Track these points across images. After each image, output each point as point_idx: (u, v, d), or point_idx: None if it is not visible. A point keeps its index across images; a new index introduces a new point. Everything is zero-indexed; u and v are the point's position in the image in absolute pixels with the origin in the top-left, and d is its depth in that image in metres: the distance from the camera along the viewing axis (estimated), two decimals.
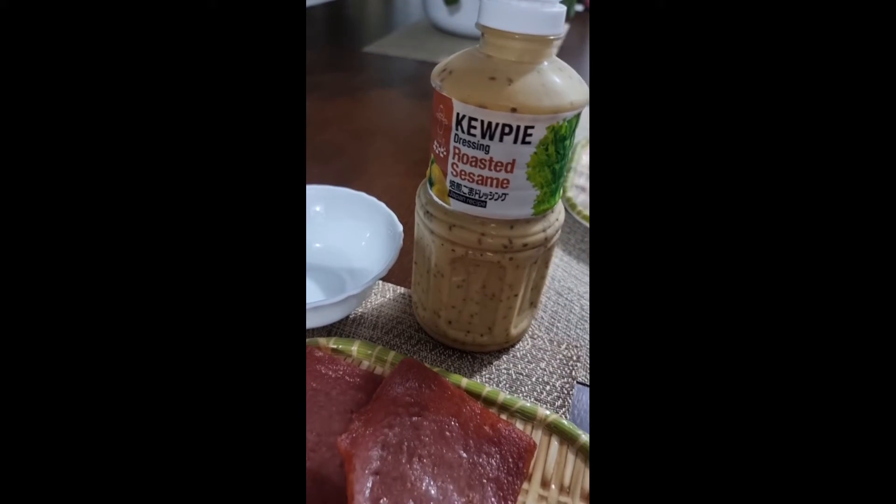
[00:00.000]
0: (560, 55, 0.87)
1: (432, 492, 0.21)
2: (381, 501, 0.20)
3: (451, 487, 0.21)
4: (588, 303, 0.33)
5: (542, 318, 0.32)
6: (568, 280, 0.35)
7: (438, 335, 0.28)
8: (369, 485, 0.20)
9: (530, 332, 0.30)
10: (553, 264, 0.37)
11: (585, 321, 0.32)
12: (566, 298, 0.34)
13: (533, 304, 0.29)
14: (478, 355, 0.29)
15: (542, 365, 0.28)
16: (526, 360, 0.29)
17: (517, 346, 0.29)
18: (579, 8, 1.38)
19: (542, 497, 0.22)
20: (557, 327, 0.31)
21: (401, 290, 0.33)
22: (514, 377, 0.28)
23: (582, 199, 0.43)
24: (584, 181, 0.47)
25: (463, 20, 0.94)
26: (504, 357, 0.29)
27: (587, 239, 0.39)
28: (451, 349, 0.29)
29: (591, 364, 0.26)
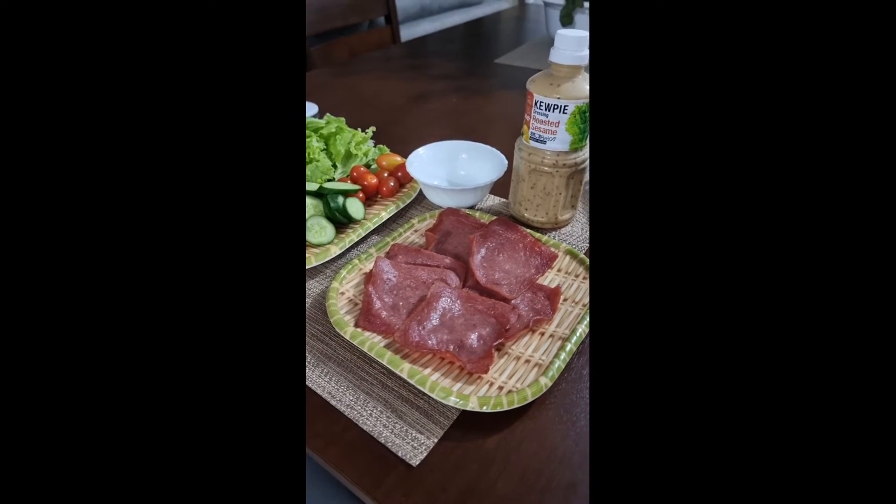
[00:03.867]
0: None
1: (506, 266, 0.47)
2: (484, 263, 0.47)
3: (515, 266, 0.47)
4: None
5: (580, 218, 0.56)
6: None
7: (519, 216, 0.55)
8: (479, 257, 0.47)
9: (571, 223, 0.55)
10: None
11: None
12: None
13: (573, 206, 0.53)
14: (540, 229, 0.54)
15: (574, 237, 0.53)
16: (566, 233, 0.54)
17: (564, 228, 0.54)
18: None
19: (556, 275, 0.47)
20: (589, 224, 0.55)
21: (502, 199, 0.59)
22: (558, 239, 0.53)
23: None
24: None
25: None
26: (554, 232, 0.54)
27: None
28: (527, 225, 0.55)
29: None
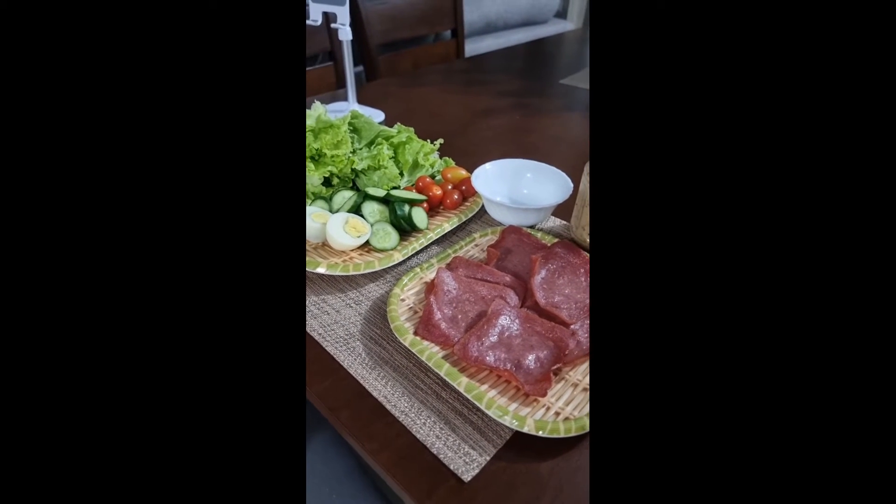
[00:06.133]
0: None
1: (566, 290, 0.47)
2: (544, 284, 0.46)
3: (575, 291, 0.47)
4: None
5: None
6: None
7: (581, 241, 0.54)
8: (540, 278, 0.47)
9: None
10: None
11: None
12: None
13: None
14: None
15: None
16: None
17: None
18: None
19: None
20: None
21: (563, 221, 0.59)
22: None
23: None
24: None
25: None
26: None
27: None
28: (588, 251, 0.54)
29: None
